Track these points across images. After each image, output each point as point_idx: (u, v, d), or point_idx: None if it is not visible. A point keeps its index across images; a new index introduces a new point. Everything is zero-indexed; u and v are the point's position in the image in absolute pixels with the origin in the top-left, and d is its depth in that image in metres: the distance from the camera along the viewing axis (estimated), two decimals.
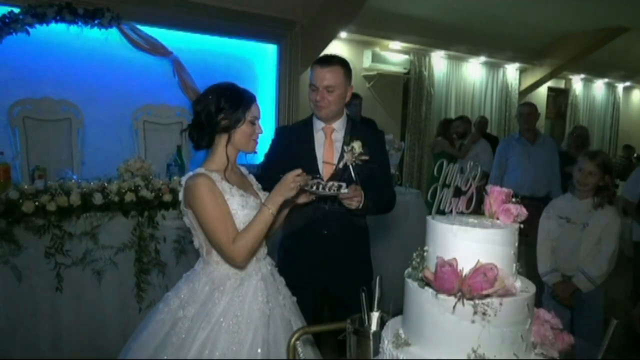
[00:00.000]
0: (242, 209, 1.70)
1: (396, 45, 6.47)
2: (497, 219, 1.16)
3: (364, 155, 2.05)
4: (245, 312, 1.67)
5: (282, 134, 2.35)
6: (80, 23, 4.07)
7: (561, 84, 9.43)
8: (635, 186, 3.68)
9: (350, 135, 2.14)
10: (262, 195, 1.84)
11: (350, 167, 2.06)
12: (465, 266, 1.01)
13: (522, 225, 1.13)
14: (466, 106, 7.68)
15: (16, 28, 3.81)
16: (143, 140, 4.37)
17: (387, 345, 1.10)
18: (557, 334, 1.11)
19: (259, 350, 1.64)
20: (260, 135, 1.80)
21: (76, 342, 2.82)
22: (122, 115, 4.43)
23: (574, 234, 2.68)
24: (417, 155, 7.00)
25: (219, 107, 1.70)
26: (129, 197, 2.93)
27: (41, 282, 2.74)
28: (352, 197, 1.96)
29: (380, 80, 6.51)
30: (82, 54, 4.33)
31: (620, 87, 10.50)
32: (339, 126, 2.18)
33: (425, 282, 1.07)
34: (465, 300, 0.99)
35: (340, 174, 2.08)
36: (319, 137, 2.18)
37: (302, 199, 1.87)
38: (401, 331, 1.12)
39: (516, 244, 1.11)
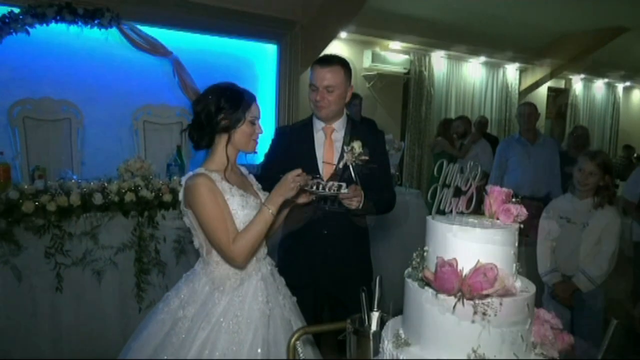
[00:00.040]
0: (242, 209, 1.70)
1: (396, 45, 6.47)
2: (497, 219, 1.16)
3: (364, 155, 2.05)
4: (245, 312, 1.67)
5: (282, 134, 2.35)
6: (80, 23, 4.07)
7: (561, 84, 9.43)
8: (635, 186, 3.68)
9: (350, 135, 2.14)
10: (262, 195, 1.84)
11: (350, 167, 2.06)
12: (465, 266, 1.01)
13: (522, 225, 1.13)
14: (466, 106, 7.68)
15: (16, 28, 3.82)
16: (143, 140, 4.37)
17: (387, 345, 1.10)
18: (557, 334, 1.11)
19: (259, 350, 1.64)
20: (260, 135, 1.80)
21: (76, 342, 2.82)
22: (122, 115, 4.43)
23: (574, 234, 2.68)
24: (417, 155, 7.00)
25: (219, 107, 1.69)
26: (129, 197, 2.92)
27: (41, 282, 2.74)
28: (352, 197, 1.96)
29: (380, 80, 6.50)
30: (82, 54, 4.33)
31: (620, 87, 10.49)
32: (339, 126, 2.18)
33: (425, 282, 1.07)
34: (465, 300, 0.99)
35: (340, 174, 2.08)
36: (319, 137, 2.18)
37: (302, 199, 1.87)
38: (401, 331, 1.12)
39: (516, 244, 1.11)
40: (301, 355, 1.43)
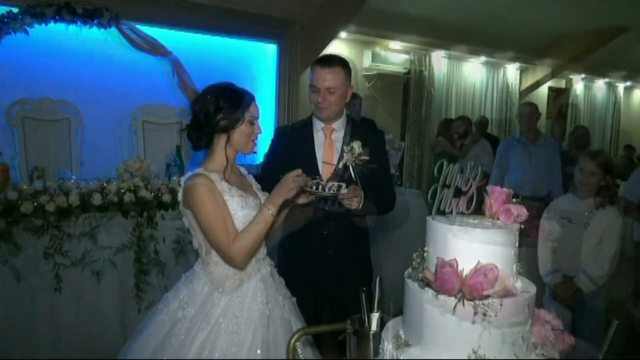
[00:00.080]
0: (242, 210, 1.69)
1: (396, 45, 6.47)
2: (498, 219, 1.15)
3: (363, 156, 2.05)
4: (245, 312, 1.67)
5: (282, 134, 2.34)
6: (79, 23, 4.07)
7: (562, 84, 9.43)
8: (636, 186, 3.67)
9: (350, 135, 2.13)
10: (262, 195, 1.83)
11: (350, 167, 2.05)
12: (466, 267, 1.01)
13: (522, 226, 1.13)
14: (466, 106, 7.68)
15: (15, 28, 3.82)
16: (142, 140, 4.37)
17: (387, 346, 1.10)
18: (558, 334, 1.11)
19: (259, 351, 1.63)
20: (259, 135, 1.80)
21: (75, 342, 2.82)
22: (121, 115, 4.43)
23: (575, 234, 2.67)
24: (417, 155, 7.00)
25: (218, 107, 1.69)
26: (128, 197, 2.92)
27: (40, 283, 2.74)
28: (352, 197, 1.96)
29: (380, 80, 6.50)
30: (81, 54, 4.33)
31: (621, 87, 10.50)
32: (338, 126, 2.18)
33: (425, 283, 1.06)
34: (465, 301, 0.99)
35: (340, 174, 2.07)
36: (318, 137, 2.18)
37: (302, 200, 1.86)
38: (401, 332, 1.12)
39: (517, 245, 1.10)
40: (301, 356, 1.43)
